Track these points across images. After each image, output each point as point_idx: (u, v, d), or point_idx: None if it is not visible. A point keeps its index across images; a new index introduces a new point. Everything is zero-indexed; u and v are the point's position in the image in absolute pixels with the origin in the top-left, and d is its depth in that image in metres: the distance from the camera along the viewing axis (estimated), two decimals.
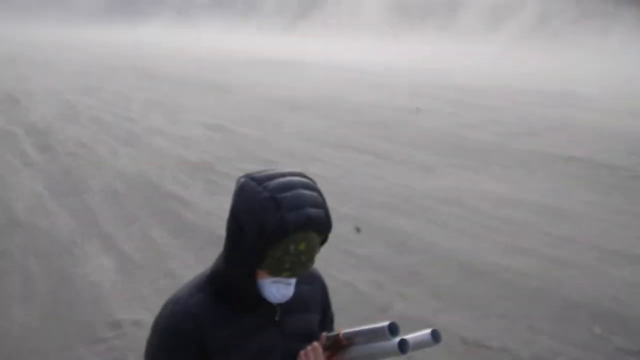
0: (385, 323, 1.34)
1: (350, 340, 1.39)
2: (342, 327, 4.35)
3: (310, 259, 1.29)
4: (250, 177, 1.29)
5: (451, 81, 25.51)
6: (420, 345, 1.35)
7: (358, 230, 6.36)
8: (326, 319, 1.59)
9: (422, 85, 23.36)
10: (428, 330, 1.35)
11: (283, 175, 1.29)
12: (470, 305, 4.76)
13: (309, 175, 1.36)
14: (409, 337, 1.36)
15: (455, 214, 7.07)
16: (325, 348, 1.41)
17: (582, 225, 6.82)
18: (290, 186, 1.25)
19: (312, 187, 1.29)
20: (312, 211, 1.24)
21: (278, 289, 1.31)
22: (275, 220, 1.21)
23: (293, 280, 1.33)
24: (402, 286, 5.08)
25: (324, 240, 1.33)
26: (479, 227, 6.65)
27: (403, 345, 1.32)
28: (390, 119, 14.58)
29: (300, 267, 1.28)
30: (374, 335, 1.34)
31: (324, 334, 1.43)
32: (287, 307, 1.41)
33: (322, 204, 1.28)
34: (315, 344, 1.36)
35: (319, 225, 1.26)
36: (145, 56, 38.26)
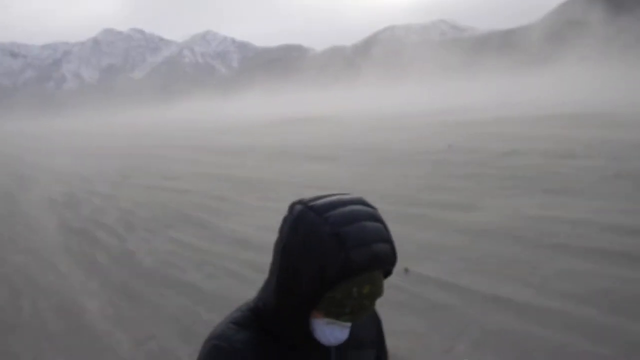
0: None
1: None
2: None
3: (374, 303, 1.16)
4: (308, 206, 1.15)
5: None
6: None
7: (407, 270, 6.14)
8: (382, 356, 1.45)
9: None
10: None
11: (343, 203, 1.15)
12: None
13: (369, 202, 1.30)
14: None
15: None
16: None
17: None
18: (355, 218, 1.12)
19: (377, 218, 1.16)
20: (379, 247, 1.11)
21: (332, 332, 1.17)
22: (339, 261, 1.08)
23: (349, 324, 1.19)
24: None
25: (386, 275, 1.19)
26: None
27: None
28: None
29: (361, 312, 1.15)
30: None
31: None
32: (341, 345, 1.27)
33: (388, 237, 1.14)
34: None
35: (386, 263, 1.13)
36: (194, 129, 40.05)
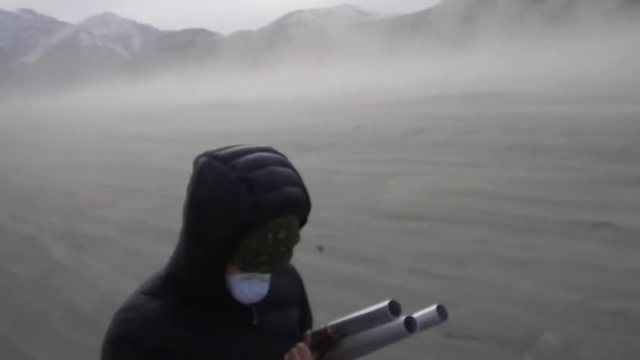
0: (385, 302, 1.13)
1: (342, 331, 1.18)
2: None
3: (290, 249, 1.10)
4: (213, 156, 1.09)
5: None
6: (427, 324, 1.15)
7: (321, 248, 6.14)
8: (305, 316, 1.38)
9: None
10: (433, 307, 1.15)
11: (250, 151, 1.09)
12: None
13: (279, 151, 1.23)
14: (415, 315, 1.15)
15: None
16: (313, 348, 1.19)
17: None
18: (263, 163, 1.07)
19: (286, 163, 1.10)
20: (291, 191, 1.06)
21: (251, 287, 1.11)
22: (249, 205, 1.02)
23: (268, 276, 1.12)
24: None
25: (301, 224, 1.14)
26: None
27: (411, 325, 1.11)
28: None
29: (279, 260, 1.09)
30: (372, 319, 1.14)
31: (309, 332, 1.22)
32: (263, 305, 1.19)
33: (299, 182, 1.09)
34: (301, 344, 1.16)
35: (299, 207, 1.08)
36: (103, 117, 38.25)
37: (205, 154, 1.11)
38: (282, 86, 65.44)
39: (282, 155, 1.13)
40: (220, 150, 1.11)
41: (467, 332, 4.01)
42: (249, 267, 1.08)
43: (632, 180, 7.98)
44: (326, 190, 8.76)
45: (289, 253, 1.10)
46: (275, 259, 1.09)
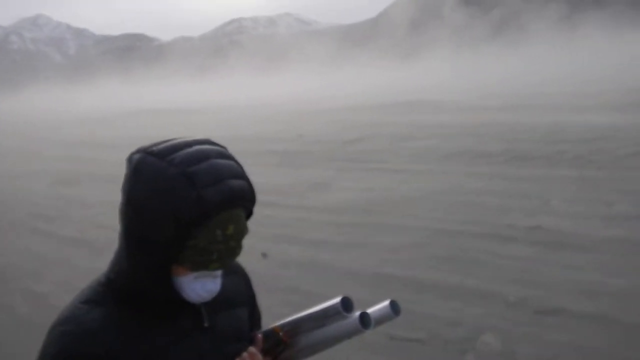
0: (337, 299, 1.11)
1: (295, 330, 1.16)
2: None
3: (240, 243, 1.06)
4: (147, 152, 1.03)
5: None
6: (381, 320, 1.15)
7: (265, 255, 6.07)
8: (254, 314, 1.35)
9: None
10: (386, 302, 1.14)
11: (188, 144, 1.04)
12: None
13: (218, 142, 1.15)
14: (369, 311, 1.14)
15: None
16: (265, 352, 1.16)
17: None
18: (203, 156, 1.02)
19: (227, 155, 1.06)
20: (235, 183, 1.02)
21: (204, 285, 1.06)
22: (191, 202, 0.97)
23: (220, 272, 1.09)
24: None
25: (247, 216, 1.10)
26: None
27: (365, 320, 1.10)
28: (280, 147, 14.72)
29: (230, 255, 1.05)
30: (324, 316, 1.12)
31: (259, 334, 1.19)
32: (212, 305, 1.14)
33: (242, 174, 1.05)
34: (252, 349, 1.13)
35: (245, 199, 1.04)
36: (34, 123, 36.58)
37: (138, 151, 1.05)
38: (229, 93, 64.84)
39: (222, 147, 1.08)
40: (155, 145, 1.05)
41: (411, 334, 4.06)
42: (200, 266, 1.04)
43: (562, 185, 8.39)
44: (266, 197, 8.71)
45: (239, 247, 1.07)
46: (226, 255, 1.04)
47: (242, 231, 1.05)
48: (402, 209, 7.71)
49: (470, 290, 4.78)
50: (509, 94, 26.49)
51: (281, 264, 5.89)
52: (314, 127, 19.58)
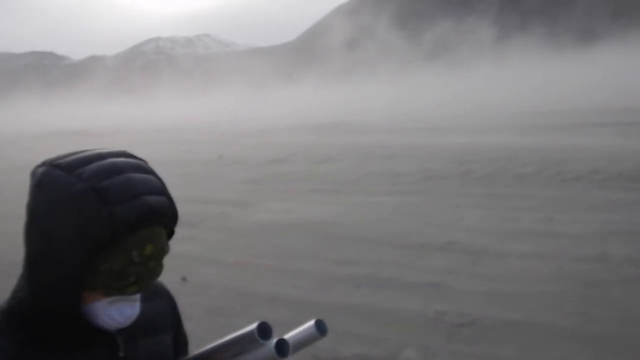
0: (254, 325, 1.03)
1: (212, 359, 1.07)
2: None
3: (160, 264, 0.97)
4: (53, 164, 0.92)
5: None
6: (305, 342, 1.08)
7: (184, 279, 5.88)
8: (180, 339, 1.24)
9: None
10: (311, 322, 1.08)
11: (101, 156, 0.94)
12: None
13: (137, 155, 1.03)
14: (289, 336, 1.07)
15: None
16: None
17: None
18: (116, 170, 0.92)
19: (146, 169, 0.97)
20: (153, 199, 0.92)
21: (121, 311, 0.96)
22: (102, 220, 0.87)
23: (138, 296, 0.98)
24: None
25: (169, 235, 1.01)
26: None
27: (282, 348, 1.03)
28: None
29: (149, 277, 0.95)
30: (240, 344, 1.04)
31: None
32: (130, 332, 1.04)
33: (162, 190, 0.96)
34: None
35: (164, 216, 0.94)
36: None
37: (43, 163, 0.94)
38: (147, 113, 62.92)
39: (140, 159, 0.99)
40: (62, 157, 0.95)
41: (335, 354, 4.06)
42: (115, 291, 0.94)
43: (473, 202, 8.83)
44: (185, 218, 8.47)
45: (159, 267, 0.98)
46: (145, 277, 0.95)
47: (162, 250, 0.97)
48: (321, 229, 7.76)
49: (391, 307, 4.87)
50: (429, 117, 27.77)
51: (202, 287, 5.72)
52: (235, 148, 19.42)
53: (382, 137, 19.51)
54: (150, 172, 0.98)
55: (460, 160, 13.06)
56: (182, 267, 6.18)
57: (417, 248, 6.55)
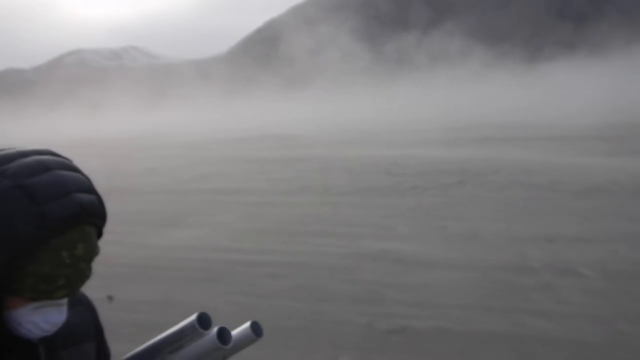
0: (193, 316, 1.02)
1: (152, 357, 1.06)
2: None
3: (90, 266, 0.93)
4: None
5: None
6: (241, 343, 1.07)
7: (110, 298, 5.64)
8: (103, 350, 1.20)
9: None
10: (247, 324, 1.08)
11: (24, 154, 0.90)
12: None
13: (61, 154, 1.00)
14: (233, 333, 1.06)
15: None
16: None
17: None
18: (44, 167, 0.88)
19: (73, 167, 0.93)
20: (83, 197, 0.89)
21: (47, 317, 0.91)
22: (30, 219, 0.83)
23: (66, 300, 0.93)
24: None
25: (98, 236, 0.97)
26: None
27: (224, 336, 1.01)
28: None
29: (80, 279, 0.91)
30: (181, 336, 1.02)
31: None
32: (52, 342, 0.98)
33: (91, 188, 0.93)
34: None
35: (95, 216, 0.91)
36: None
37: None
38: (72, 126, 60.25)
39: (65, 158, 0.96)
40: None
41: None
42: (43, 295, 0.89)
43: (403, 212, 9.08)
44: (112, 235, 8.16)
45: (89, 270, 0.94)
46: (75, 280, 0.91)
47: (93, 251, 0.94)
48: (254, 242, 7.71)
49: (324, 317, 4.90)
50: (363, 130, 28.38)
51: (129, 306, 5.52)
52: (165, 162, 18.96)
53: (315, 150, 19.74)
54: (78, 170, 0.95)
55: (390, 172, 13.41)
56: (107, 285, 5.94)
57: (350, 257, 6.64)
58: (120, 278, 6.33)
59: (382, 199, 10.36)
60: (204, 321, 1.03)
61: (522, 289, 5.37)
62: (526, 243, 6.93)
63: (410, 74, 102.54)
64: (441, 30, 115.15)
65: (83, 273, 0.92)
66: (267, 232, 8.24)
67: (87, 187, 0.92)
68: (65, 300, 0.95)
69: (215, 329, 1.03)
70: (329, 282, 5.83)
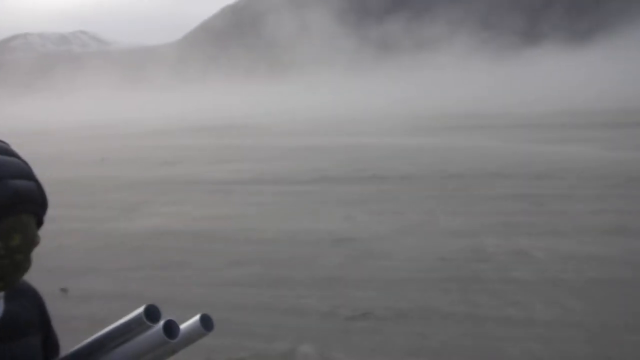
0: (141, 308, 0.98)
1: (98, 351, 1.00)
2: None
3: (29, 256, 0.88)
4: None
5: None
6: (191, 336, 1.02)
7: (65, 291, 5.46)
8: (50, 343, 1.14)
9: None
10: (196, 317, 1.03)
11: None
12: None
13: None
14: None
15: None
16: None
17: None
18: None
19: (9, 151, 0.87)
20: (20, 184, 0.83)
21: None
22: None
23: (2, 294, 0.91)
24: None
25: (38, 225, 0.92)
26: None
27: (171, 330, 0.98)
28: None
29: (16, 271, 0.87)
30: (128, 329, 0.97)
31: None
32: None
33: (29, 173, 0.87)
34: None
35: (33, 203, 0.86)
36: None
37: None
38: (18, 113, 57.86)
39: (2, 142, 0.90)
40: None
41: (231, 354, 4.00)
42: None
43: (363, 199, 9.15)
44: (67, 224, 7.90)
45: (27, 261, 0.89)
46: (12, 271, 0.86)
47: (32, 242, 0.88)
48: (212, 231, 7.62)
49: (285, 305, 4.89)
50: (324, 118, 28.47)
51: (85, 298, 5.35)
52: (118, 151, 18.48)
53: (277, 140, 19.66)
54: (15, 155, 0.88)
55: (350, 160, 13.49)
56: (62, 277, 5.74)
57: (310, 245, 6.65)
58: (75, 270, 6.13)
59: (343, 187, 10.41)
60: (152, 314, 0.98)
61: (477, 272, 5.51)
62: (484, 229, 7.09)
63: (394, 60, 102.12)
64: (426, 16, 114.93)
65: (20, 265, 0.88)
66: (225, 221, 8.15)
67: (25, 172, 0.87)
68: (2, 294, 0.90)
69: (162, 323, 0.98)
70: (289, 270, 5.82)
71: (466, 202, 8.79)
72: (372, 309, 4.69)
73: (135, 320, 0.97)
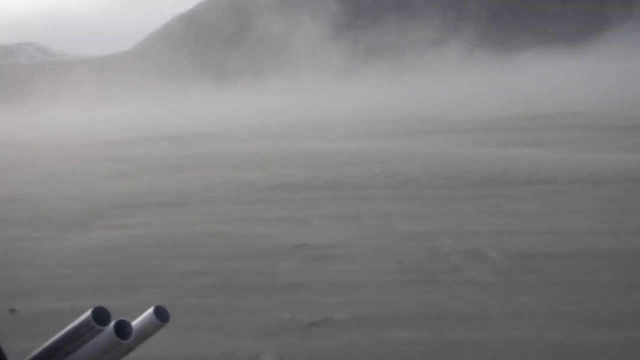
0: (88, 311, 0.94)
1: None
2: None
3: None
4: None
5: None
6: (146, 331, 0.98)
7: (13, 311, 5.25)
8: None
9: None
10: (150, 310, 0.99)
11: None
12: None
13: None
14: (133, 323, 0.98)
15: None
16: None
17: None
18: None
19: None
20: None
21: None
22: None
23: None
24: None
25: None
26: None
27: (123, 330, 0.94)
28: None
29: None
30: (77, 335, 0.93)
31: None
32: None
33: None
34: None
35: None
36: None
37: None
38: None
39: None
40: None
41: None
42: None
43: (319, 206, 9.17)
44: (14, 243, 7.59)
45: None
46: None
47: None
48: (169, 242, 7.47)
49: (245, 313, 4.85)
50: (289, 123, 28.42)
51: (34, 318, 5.16)
52: (71, 163, 17.91)
53: (232, 147, 19.50)
54: None
55: (306, 166, 13.52)
56: (9, 298, 5.52)
57: (268, 253, 6.61)
58: (24, 289, 5.90)
59: (299, 194, 10.41)
60: (101, 316, 0.94)
61: (434, 273, 5.62)
62: (438, 232, 7.23)
63: (380, 63, 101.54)
64: (414, 20, 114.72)
65: None
66: (180, 232, 8.02)
67: None
68: None
69: (112, 324, 0.95)
70: (248, 278, 5.77)
71: (422, 205, 8.95)
72: (332, 314, 4.71)
73: (84, 325, 0.93)
